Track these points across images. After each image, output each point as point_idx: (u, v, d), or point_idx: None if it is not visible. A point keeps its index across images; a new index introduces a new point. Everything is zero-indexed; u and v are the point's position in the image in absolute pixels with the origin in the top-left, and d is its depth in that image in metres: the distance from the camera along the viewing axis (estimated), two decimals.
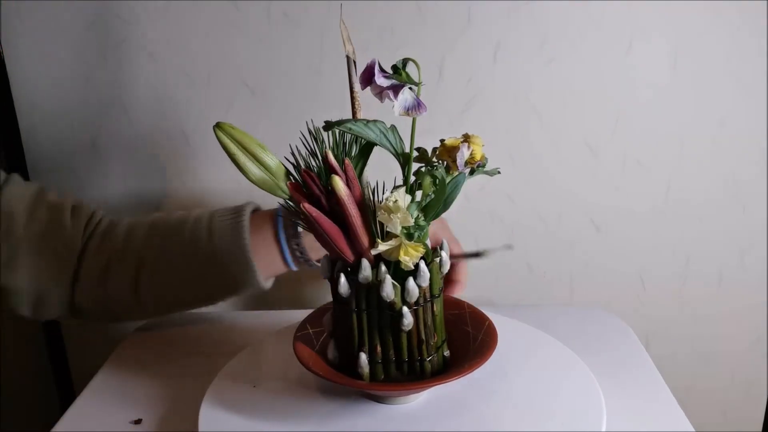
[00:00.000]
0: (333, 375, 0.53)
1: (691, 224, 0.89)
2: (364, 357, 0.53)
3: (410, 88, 0.49)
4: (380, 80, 0.48)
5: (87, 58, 0.81)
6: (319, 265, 0.61)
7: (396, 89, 0.48)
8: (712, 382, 0.95)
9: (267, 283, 0.67)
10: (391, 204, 0.48)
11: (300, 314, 0.61)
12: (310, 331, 0.59)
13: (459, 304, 0.61)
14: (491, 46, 0.81)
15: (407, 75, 0.49)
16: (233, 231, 0.64)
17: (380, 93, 0.48)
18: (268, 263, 0.65)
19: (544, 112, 0.84)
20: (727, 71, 0.82)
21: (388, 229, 0.49)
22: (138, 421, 0.59)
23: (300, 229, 0.64)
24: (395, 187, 0.51)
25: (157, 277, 0.65)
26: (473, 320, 0.59)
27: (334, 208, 0.50)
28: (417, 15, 0.80)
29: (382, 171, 0.54)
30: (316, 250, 0.65)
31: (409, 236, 0.49)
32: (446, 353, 0.56)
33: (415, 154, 0.53)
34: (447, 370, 0.55)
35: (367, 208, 0.51)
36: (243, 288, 0.66)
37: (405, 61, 0.50)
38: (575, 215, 0.88)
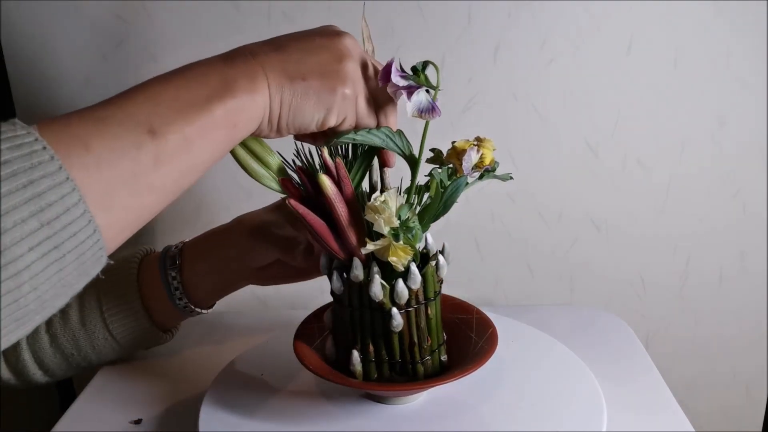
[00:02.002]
0: (328, 373, 0.53)
1: (691, 224, 0.89)
2: (356, 355, 0.53)
3: (427, 91, 0.49)
4: (397, 79, 0.48)
5: (87, 58, 0.81)
6: (205, 311, 0.67)
7: (411, 90, 0.48)
8: (712, 381, 0.95)
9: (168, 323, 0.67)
10: (377, 204, 0.48)
11: (300, 314, 0.61)
12: (315, 325, 0.59)
13: (468, 309, 0.61)
14: (491, 46, 0.81)
15: (426, 78, 0.49)
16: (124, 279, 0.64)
17: (396, 92, 0.48)
18: (156, 303, 0.64)
19: (544, 112, 0.84)
20: (727, 71, 0.82)
21: (374, 229, 0.49)
22: (138, 421, 0.59)
23: (177, 262, 0.63)
24: (381, 189, 0.50)
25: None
26: (478, 326, 0.59)
27: (323, 206, 0.50)
28: (417, 15, 0.80)
29: (393, 172, 0.54)
30: (198, 286, 0.64)
31: (396, 237, 0.49)
32: (443, 357, 0.56)
33: (430, 155, 0.53)
34: (443, 372, 0.55)
35: (361, 207, 0.51)
36: (141, 331, 0.65)
37: (425, 64, 0.49)
38: (575, 215, 0.88)
